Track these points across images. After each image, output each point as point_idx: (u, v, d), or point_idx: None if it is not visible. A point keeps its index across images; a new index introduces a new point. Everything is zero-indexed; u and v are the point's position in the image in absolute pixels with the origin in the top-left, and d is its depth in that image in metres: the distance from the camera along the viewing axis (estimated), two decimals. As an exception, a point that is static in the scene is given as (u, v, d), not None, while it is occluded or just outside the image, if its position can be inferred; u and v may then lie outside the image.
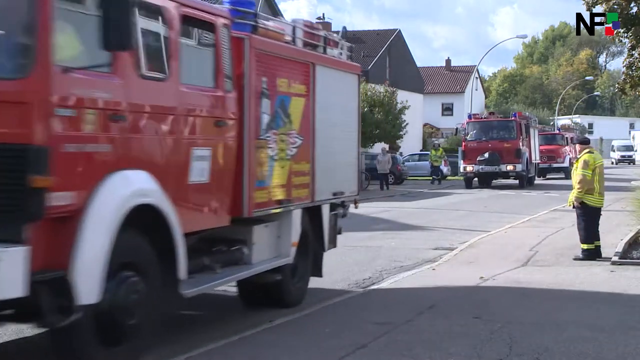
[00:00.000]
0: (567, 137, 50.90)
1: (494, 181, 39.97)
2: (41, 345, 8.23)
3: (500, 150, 36.96)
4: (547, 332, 8.51)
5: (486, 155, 36.85)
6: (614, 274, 12.35)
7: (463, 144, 38.67)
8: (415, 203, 28.93)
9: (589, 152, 13.89)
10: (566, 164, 48.30)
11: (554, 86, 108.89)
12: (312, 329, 8.84)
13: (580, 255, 13.80)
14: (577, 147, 14.31)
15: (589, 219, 13.77)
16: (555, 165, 49.23)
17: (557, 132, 53.09)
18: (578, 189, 13.64)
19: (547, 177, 48.88)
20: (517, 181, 38.61)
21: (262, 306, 10.08)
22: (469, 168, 37.63)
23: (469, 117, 39.77)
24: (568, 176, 46.85)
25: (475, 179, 38.85)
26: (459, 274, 12.64)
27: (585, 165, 13.63)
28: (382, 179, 37.88)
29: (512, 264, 13.57)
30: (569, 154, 48.91)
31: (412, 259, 14.65)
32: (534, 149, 42.17)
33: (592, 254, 13.71)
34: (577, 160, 13.98)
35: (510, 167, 36.92)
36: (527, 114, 44.71)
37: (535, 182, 42.34)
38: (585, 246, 13.80)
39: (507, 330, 8.59)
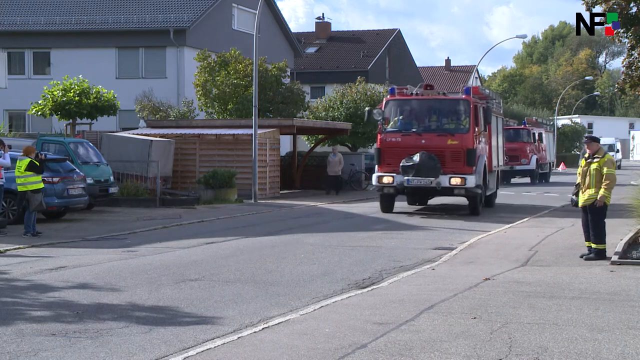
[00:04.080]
0: (534, 133, 43.40)
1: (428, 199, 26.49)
2: (40, 343, 8.24)
3: (441, 151, 22.65)
4: (546, 332, 8.52)
5: (415, 158, 22.31)
6: (613, 274, 12.35)
7: (378, 138, 23.60)
8: (415, 203, 28.87)
9: (605, 151, 13.87)
10: (532, 166, 42.15)
11: (554, 86, 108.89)
12: (312, 329, 8.84)
13: (592, 255, 13.77)
14: (593, 145, 13.71)
15: (603, 217, 13.78)
16: (519, 167, 41.55)
17: (523, 126, 43.97)
18: (607, 188, 13.50)
19: (512, 182, 42.08)
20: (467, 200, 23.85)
21: (265, 308, 10.12)
22: (387, 179, 22.89)
23: (391, 92, 24.23)
24: (535, 180, 42.15)
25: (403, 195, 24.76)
26: (459, 274, 12.65)
27: (612, 164, 13.54)
28: (331, 181, 33.49)
29: (512, 264, 13.57)
30: (536, 154, 42.83)
31: (411, 259, 14.66)
32: (497, 148, 27.46)
33: (605, 254, 13.72)
34: (597, 161, 13.57)
35: (456, 181, 22.45)
36: (487, 91, 28.27)
37: (502, 192, 29.11)
38: (600, 246, 13.77)
39: (507, 330, 8.60)
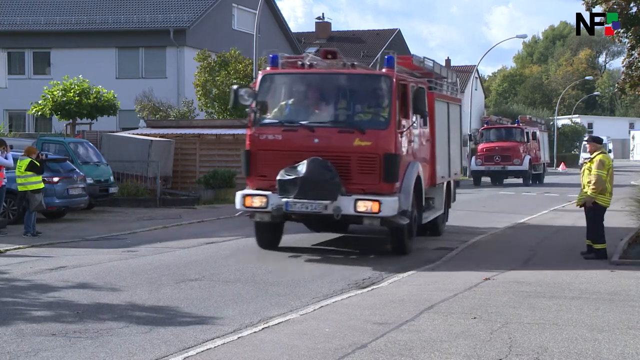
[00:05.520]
0: (527, 132, 41.68)
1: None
2: (40, 343, 8.24)
3: (344, 157, 14.22)
4: (546, 332, 8.52)
5: (300, 168, 14.05)
6: (613, 274, 12.36)
7: (248, 134, 14.99)
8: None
9: (602, 152, 13.90)
10: (525, 167, 40.40)
11: (554, 86, 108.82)
12: (312, 329, 8.84)
13: (592, 255, 13.83)
14: (590, 145, 14.14)
15: (599, 218, 13.84)
16: (511, 168, 40.04)
17: (516, 125, 42.46)
18: (593, 189, 13.60)
19: (504, 182, 40.92)
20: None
21: (261, 307, 10.12)
22: (257, 200, 14.47)
23: (272, 62, 15.39)
24: (527, 181, 40.49)
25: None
26: (459, 274, 12.65)
27: (602, 166, 13.62)
28: None
29: (512, 264, 13.58)
30: (529, 154, 41.16)
31: (412, 259, 14.65)
32: (449, 150, 18.68)
33: (605, 254, 13.76)
34: (590, 161, 13.86)
35: (365, 206, 13.89)
36: (431, 64, 17.82)
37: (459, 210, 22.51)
38: (599, 246, 13.84)
39: (507, 330, 8.59)
